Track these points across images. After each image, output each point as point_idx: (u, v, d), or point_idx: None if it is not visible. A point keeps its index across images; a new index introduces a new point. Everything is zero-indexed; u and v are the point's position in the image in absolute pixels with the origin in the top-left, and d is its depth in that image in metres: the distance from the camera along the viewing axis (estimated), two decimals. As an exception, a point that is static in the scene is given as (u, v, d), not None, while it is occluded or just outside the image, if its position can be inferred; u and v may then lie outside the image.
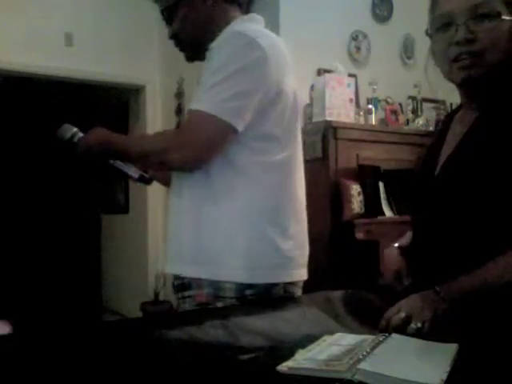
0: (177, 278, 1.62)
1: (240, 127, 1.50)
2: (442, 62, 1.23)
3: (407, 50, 4.49)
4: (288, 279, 1.60)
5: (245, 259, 1.53)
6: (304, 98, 3.77)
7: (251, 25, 1.64)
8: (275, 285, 1.56)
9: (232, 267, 1.52)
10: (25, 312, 4.46)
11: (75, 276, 6.10)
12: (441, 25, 1.21)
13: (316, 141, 3.52)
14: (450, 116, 1.40)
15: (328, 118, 3.58)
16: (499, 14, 1.16)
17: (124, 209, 5.71)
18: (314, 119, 3.67)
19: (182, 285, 1.59)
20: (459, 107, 1.36)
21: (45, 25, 4.61)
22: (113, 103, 5.79)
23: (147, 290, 5.05)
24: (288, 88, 1.60)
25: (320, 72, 3.95)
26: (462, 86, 1.25)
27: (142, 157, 1.61)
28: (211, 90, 1.51)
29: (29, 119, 6.08)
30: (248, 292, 1.52)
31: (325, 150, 3.53)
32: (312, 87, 3.77)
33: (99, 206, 6.28)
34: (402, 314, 1.07)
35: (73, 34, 4.77)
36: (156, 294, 4.96)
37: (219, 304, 1.51)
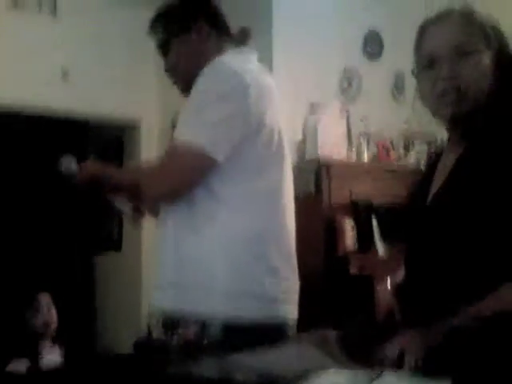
0: (164, 313, 1.60)
1: (219, 155, 1.50)
2: (430, 99, 1.27)
3: (398, 87, 4.55)
4: (275, 314, 1.56)
5: (228, 294, 1.50)
6: (296, 133, 3.81)
7: (239, 57, 1.65)
8: (261, 320, 1.52)
9: (215, 303, 1.50)
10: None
11: (69, 315, 6.00)
12: (426, 63, 1.26)
13: (309, 177, 3.55)
14: (440, 150, 1.42)
15: (320, 155, 3.62)
16: (480, 51, 1.21)
17: (117, 245, 5.64)
18: (307, 156, 3.71)
19: (171, 321, 1.56)
20: (448, 141, 1.39)
21: (41, 61, 4.65)
22: (108, 139, 5.80)
23: (141, 326, 4.99)
24: (271, 121, 1.59)
25: (312, 107, 3.97)
26: (449, 121, 1.28)
27: (133, 190, 1.64)
28: (190, 119, 1.54)
29: (22, 154, 6.07)
30: (234, 328, 1.48)
31: (318, 186, 3.56)
32: (304, 124, 3.81)
33: (92, 242, 6.20)
34: (396, 351, 1.07)
35: (69, 70, 4.81)
36: (150, 331, 4.89)
37: (206, 341, 1.46)
